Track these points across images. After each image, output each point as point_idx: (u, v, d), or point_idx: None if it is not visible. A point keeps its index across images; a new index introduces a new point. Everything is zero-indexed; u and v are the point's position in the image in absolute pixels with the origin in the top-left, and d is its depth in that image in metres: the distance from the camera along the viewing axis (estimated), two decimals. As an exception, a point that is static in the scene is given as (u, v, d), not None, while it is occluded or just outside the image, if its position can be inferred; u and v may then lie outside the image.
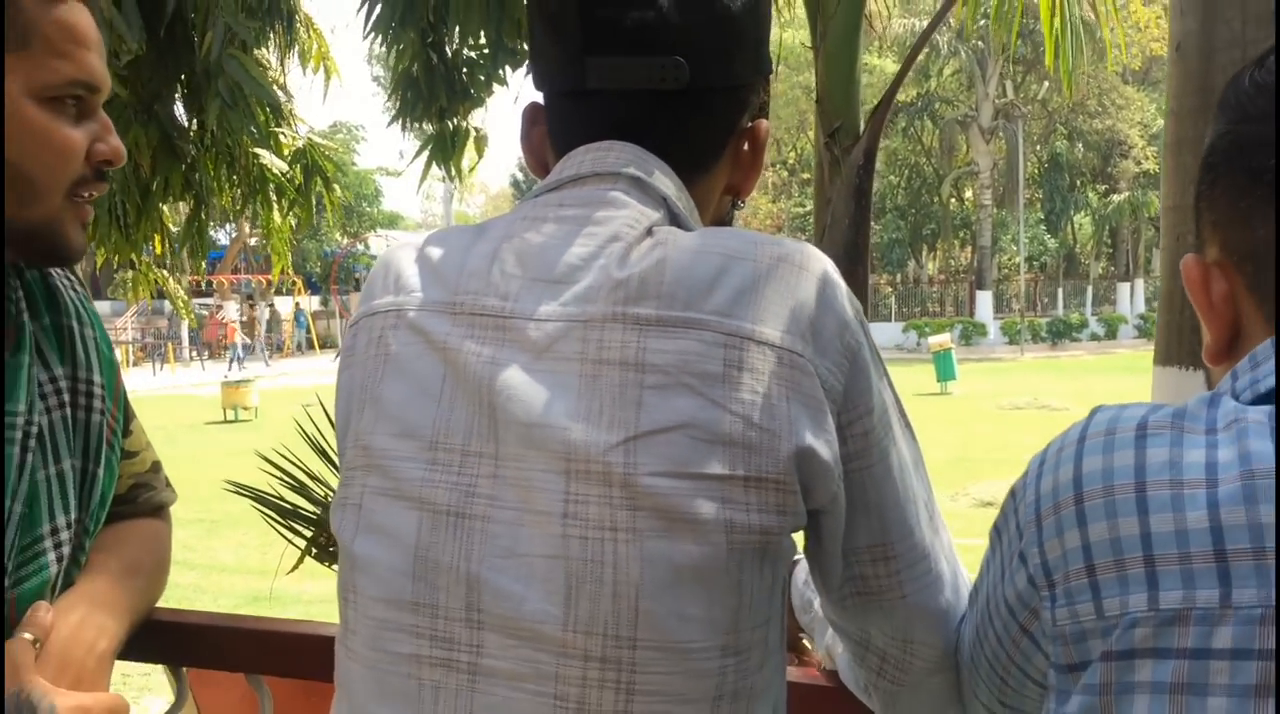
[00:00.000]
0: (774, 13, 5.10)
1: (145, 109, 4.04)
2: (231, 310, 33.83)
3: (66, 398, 1.17)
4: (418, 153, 4.92)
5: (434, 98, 4.52)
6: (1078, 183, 39.24)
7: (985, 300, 36.32)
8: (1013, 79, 37.06)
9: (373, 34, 4.50)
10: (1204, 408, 0.72)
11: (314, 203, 5.15)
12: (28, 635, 1.06)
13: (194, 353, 33.19)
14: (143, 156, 4.08)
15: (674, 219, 0.90)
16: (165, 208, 5.08)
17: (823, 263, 0.87)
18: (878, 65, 32.44)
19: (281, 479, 3.66)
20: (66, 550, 1.14)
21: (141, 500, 1.29)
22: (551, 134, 0.97)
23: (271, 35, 4.82)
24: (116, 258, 5.03)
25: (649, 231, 0.87)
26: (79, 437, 1.17)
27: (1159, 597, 0.67)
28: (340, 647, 0.90)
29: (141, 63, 3.75)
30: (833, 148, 3.61)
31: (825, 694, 1.08)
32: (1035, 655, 0.77)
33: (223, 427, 16.92)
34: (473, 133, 4.88)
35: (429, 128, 4.84)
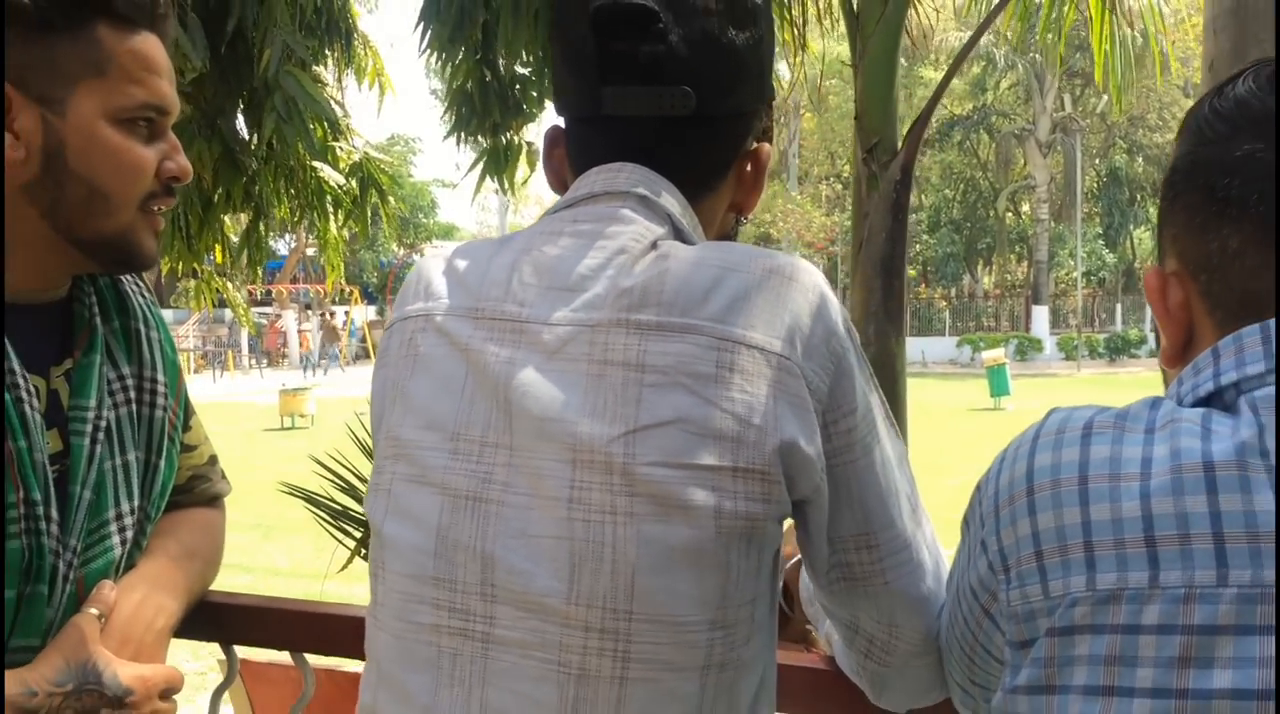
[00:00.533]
0: (823, 28, 5.18)
1: (208, 124, 4.21)
2: (290, 319, 34.38)
3: (133, 395, 1.27)
4: (471, 167, 5.05)
5: (487, 113, 4.65)
6: (1137, 197, 38.70)
7: (1041, 315, 35.93)
8: (1071, 92, 36.71)
9: (428, 52, 4.65)
10: (1146, 410, 0.79)
11: (369, 215, 5.30)
12: (94, 611, 1.16)
13: (253, 361, 33.78)
14: (205, 169, 4.25)
15: (678, 234, 0.98)
16: (226, 219, 5.26)
17: (812, 275, 0.95)
18: (933, 78, 32.31)
19: (333, 481, 3.79)
20: (130, 534, 1.24)
21: (199, 491, 1.39)
22: (570, 155, 1.06)
23: (329, 53, 4.98)
24: (180, 267, 5.22)
25: (654, 245, 0.95)
26: (143, 431, 1.28)
27: (1096, 578, 0.74)
28: (370, 618, 1.00)
29: (205, 80, 3.91)
30: (870, 163, 3.67)
31: (824, 677, 1.15)
32: (995, 635, 0.85)
33: (280, 433, 17.26)
34: (525, 147, 5.01)
35: (484, 141, 4.97)
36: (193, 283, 7.81)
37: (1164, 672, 0.70)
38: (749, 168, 1.08)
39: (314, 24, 4.45)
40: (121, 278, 1.30)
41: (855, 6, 3.76)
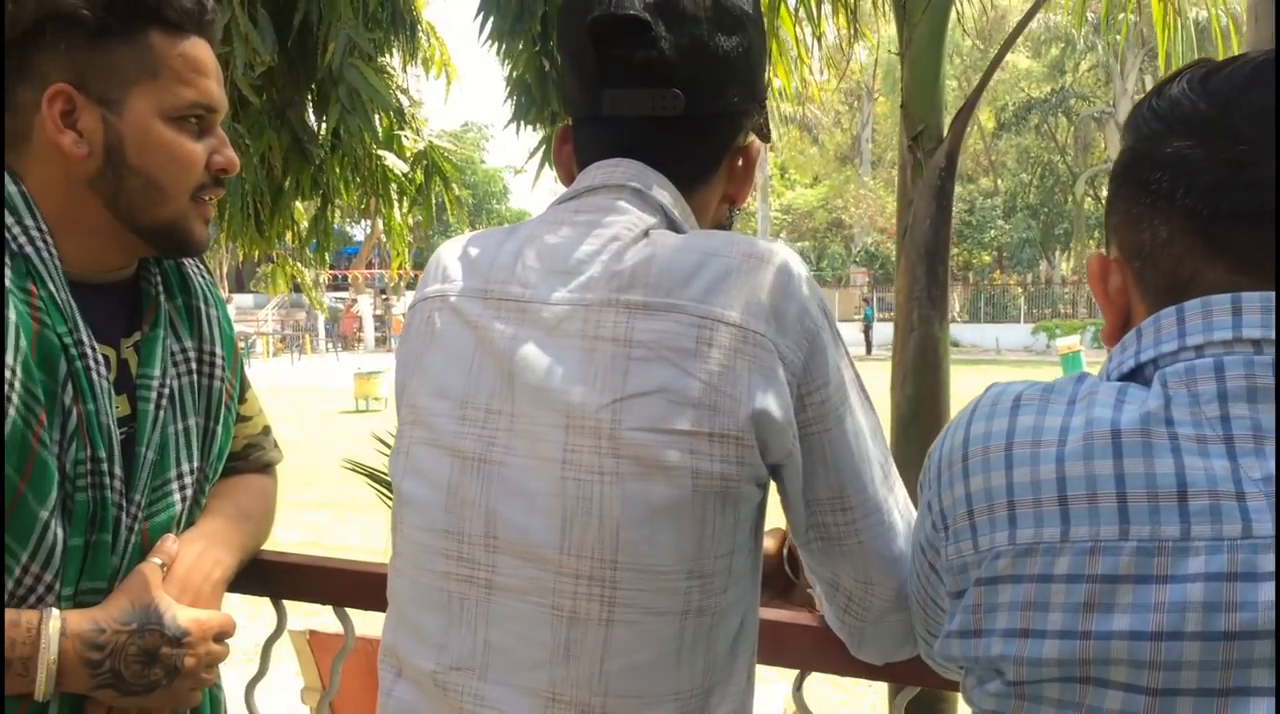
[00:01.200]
0: (878, 13, 5.20)
1: (278, 114, 4.38)
2: (365, 303, 34.96)
3: (194, 366, 1.40)
4: (531, 154, 5.18)
5: (545, 103, 4.76)
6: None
7: (1119, 302, 35.11)
8: (1153, 74, 35.85)
9: (489, 41, 4.77)
10: (1071, 384, 0.87)
11: (434, 202, 5.45)
12: (157, 560, 1.29)
13: (329, 344, 34.44)
14: (275, 158, 4.42)
15: (670, 223, 1.08)
16: (298, 205, 5.45)
17: (788, 257, 1.04)
18: (1009, 61, 31.77)
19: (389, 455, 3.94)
20: (190, 493, 1.37)
21: (253, 458, 1.52)
22: (576, 152, 1.17)
23: (395, 43, 5.12)
24: (255, 252, 5.42)
25: (645, 233, 1.05)
26: (202, 399, 1.41)
27: (1016, 534, 0.82)
28: (391, 568, 1.11)
29: (274, 72, 4.08)
30: (915, 151, 3.72)
31: (819, 634, 1.25)
32: (939, 587, 0.93)
33: (354, 416, 17.65)
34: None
35: (544, 130, 5.08)
36: (269, 267, 8.07)
37: (1071, 615, 0.79)
38: (740, 162, 1.17)
39: (379, 16, 4.59)
40: (184, 261, 1.43)
41: (902, -6, 3.81)
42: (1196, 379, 0.81)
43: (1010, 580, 0.82)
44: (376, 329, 36.08)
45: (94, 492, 1.24)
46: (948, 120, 3.74)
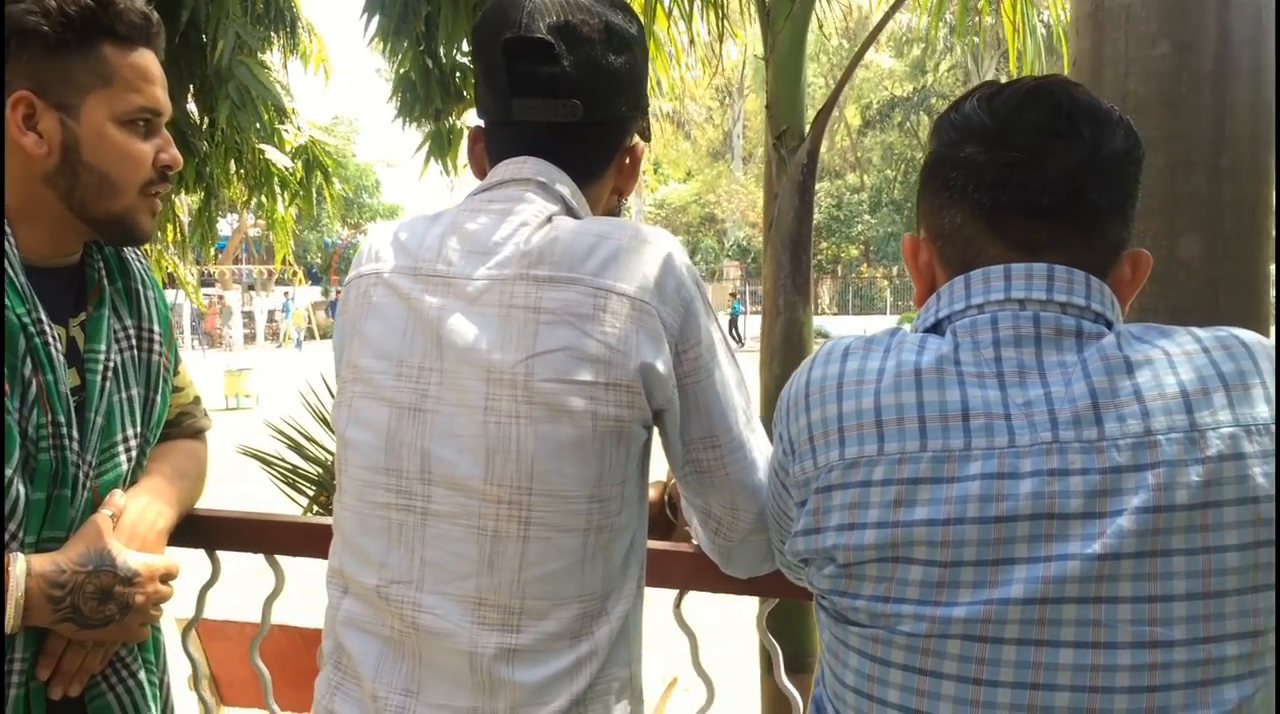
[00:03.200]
0: (745, 18, 5.48)
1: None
2: (234, 300, 34.12)
3: (134, 342, 1.55)
4: (417, 149, 5.32)
5: (430, 100, 4.91)
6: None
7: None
8: (1007, 74, 37.38)
9: (374, 41, 4.89)
10: (887, 337, 1.12)
11: (314, 195, 5.54)
12: (107, 512, 1.45)
13: (195, 342, 33.52)
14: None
15: (569, 211, 1.29)
16: (176, 199, 5.47)
17: (668, 240, 1.26)
18: (874, 62, 32.84)
19: (286, 443, 4.06)
20: (134, 455, 1.53)
21: (186, 425, 1.68)
22: (487, 150, 1.37)
23: (275, 39, 5.20)
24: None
25: (549, 219, 1.26)
26: (143, 371, 1.56)
27: (844, 452, 1.06)
28: (336, 503, 1.30)
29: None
30: (779, 149, 4.01)
31: (694, 558, 1.48)
32: (788, 500, 1.17)
33: (225, 413, 17.33)
34: (465, 131, 5.28)
35: (428, 125, 5.23)
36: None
37: (885, 511, 1.03)
38: (627, 160, 1.39)
39: (262, 14, 4.68)
40: (124, 248, 1.58)
41: (766, 2, 4.08)
42: (977, 330, 1.06)
43: (840, 488, 1.06)
44: (245, 326, 35.29)
45: (55, 452, 1.39)
46: (810, 119, 4.04)
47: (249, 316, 35.86)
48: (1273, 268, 3.21)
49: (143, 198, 1.48)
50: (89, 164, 1.42)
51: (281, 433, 4.06)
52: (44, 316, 1.41)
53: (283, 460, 4.06)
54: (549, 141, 1.31)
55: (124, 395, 1.52)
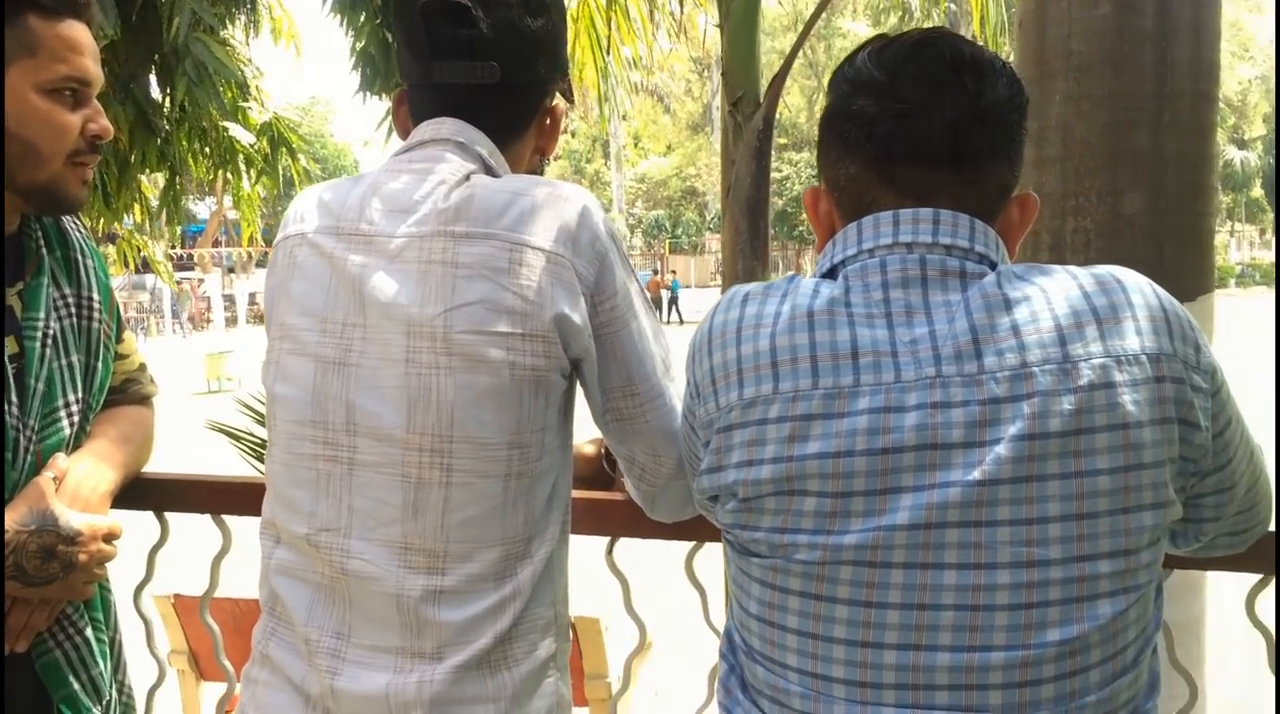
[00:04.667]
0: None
1: (122, 88, 4.43)
2: (213, 283, 33.99)
3: (73, 310, 1.59)
4: (379, 123, 5.33)
5: (390, 74, 4.92)
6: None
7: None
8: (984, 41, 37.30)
9: (333, 13, 4.90)
10: (785, 283, 1.16)
11: (281, 173, 5.55)
12: (50, 474, 1.49)
13: (176, 326, 33.42)
14: (121, 132, 4.48)
15: (488, 170, 1.33)
16: (143, 179, 5.47)
17: (583, 196, 1.30)
18: (848, 30, 32.69)
19: (254, 418, 4.10)
20: (76, 420, 1.56)
21: (131, 391, 1.71)
22: (410, 112, 1.40)
23: (235, 16, 5.19)
24: (102, 227, 5.43)
25: (467, 177, 1.30)
26: (82, 339, 1.59)
27: (742, 392, 1.11)
28: (267, 457, 1.34)
29: (116, 46, 4.14)
30: (735, 115, 4.05)
31: (625, 506, 1.52)
32: (696, 441, 1.21)
33: (208, 397, 17.33)
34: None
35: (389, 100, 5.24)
36: (112, 247, 7.97)
37: (780, 446, 1.08)
38: (548, 121, 1.42)
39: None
40: (63, 217, 1.61)
41: (720, -30, 4.11)
42: (867, 273, 1.11)
43: (739, 426, 1.11)
44: (226, 309, 35.18)
45: None
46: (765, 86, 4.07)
47: (229, 299, 35.73)
48: (1214, 221, 3.26)
49: (71, 167, 1.50)
50: (14, 134, 1.45)
51: (250, 408, 4.10)
52: None
53: (251, 435, 4.10)
54: (468, 103, 1.35)
55: (64, 362, 1.55)
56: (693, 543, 1.59)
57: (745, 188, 3.97)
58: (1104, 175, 2.98)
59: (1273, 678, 1.49)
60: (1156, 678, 1.12)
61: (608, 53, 5.82)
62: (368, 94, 5.04)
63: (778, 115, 4.40)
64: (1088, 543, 1.01)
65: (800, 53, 4.49)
